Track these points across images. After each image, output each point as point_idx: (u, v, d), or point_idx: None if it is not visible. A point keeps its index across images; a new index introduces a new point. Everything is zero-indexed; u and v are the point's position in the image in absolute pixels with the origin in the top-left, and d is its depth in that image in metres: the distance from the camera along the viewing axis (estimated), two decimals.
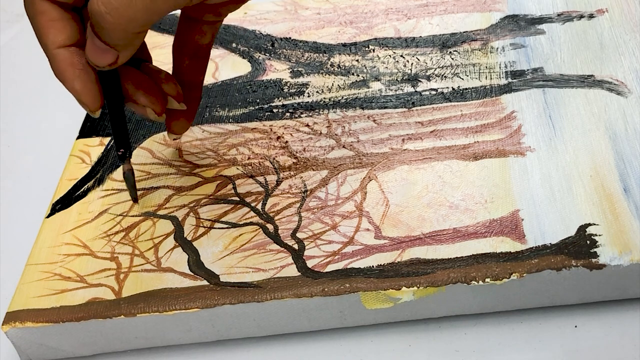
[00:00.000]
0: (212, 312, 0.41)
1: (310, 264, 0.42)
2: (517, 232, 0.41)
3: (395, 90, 0.52)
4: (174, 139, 0.50)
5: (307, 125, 0.51)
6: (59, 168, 0.52)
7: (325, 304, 0.40)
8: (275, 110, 0.52)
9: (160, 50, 0.58)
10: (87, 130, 0.54)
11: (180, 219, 0.46)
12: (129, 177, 0.46)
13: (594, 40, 0.52)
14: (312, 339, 0.42)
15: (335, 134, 0.50)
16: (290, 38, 0.58)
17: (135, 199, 0.48)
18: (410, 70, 0.53)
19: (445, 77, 0.52)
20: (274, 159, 0.49)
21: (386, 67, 0.54)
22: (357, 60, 0.55)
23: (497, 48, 0.53)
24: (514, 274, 0.39)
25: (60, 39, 0.41)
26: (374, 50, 0.56)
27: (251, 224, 0.45)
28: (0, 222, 0.53)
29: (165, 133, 0.52)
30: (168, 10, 0.39)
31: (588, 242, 0.39)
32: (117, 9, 0.37)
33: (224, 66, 0.57)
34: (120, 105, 0.43)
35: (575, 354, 0.39)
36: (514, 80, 0.50)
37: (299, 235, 0.44)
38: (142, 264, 0.44)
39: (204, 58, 0.47)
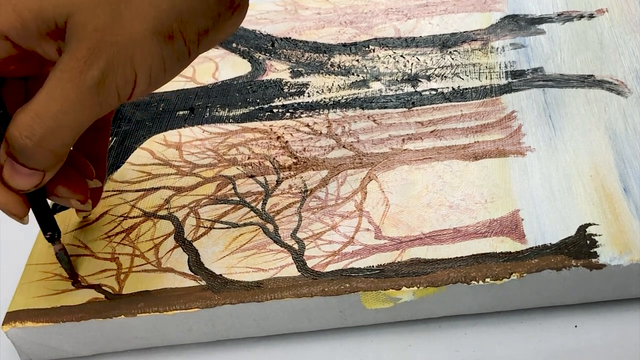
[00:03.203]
0: (212, 312, 0.41)
1: (310, 264, 0.42)
2: (517, 232, 0.41)
3: (396, 90, 0.52)
4: (84, 217, 0.47)
5: (307, 125, 0.51)
6: None
7: (325, 304, 0.40)
8: (275, 110, 0.52)
9: None
10: None
11: (180, 219, 0.46)
12: (62, 257, 0.44)
13: (594, 40, 0.52)
14: (312, 339, 0.42)
15: (336, 134, 0.50)
16: (290, 38, 0.59)
17: (72, 276, 0.44)
18: (411, 70, 0.53)
19: (445, 77, 0.52)
20: (274, 159, 0.49)
21: (386, 67, 0.54)
22: (357, 60, 0.55)
23: (497, 48, 0.53)
24: (514, 274, 0.39)
25: None
26: (374, 50, 0.56)
27: (251, 224, 0.45)
28: (0, 222, 0.53)
29: (166, 133, 0.52)
30: (92, 122, 0.37)
31: (588, 242, 0.39)
32: (44, 137, 0.36)
33: (224, 66, 0.57)
34: (42, 195, 0.41)
35: (575, 354, 0.39)
36: (514, 80, 0.50)
37: (299, 235, 0.44)
38: (143, 264, 0.44)
39: (104, 129, 0.45)
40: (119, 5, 0.35)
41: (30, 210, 0.41)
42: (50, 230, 0.43)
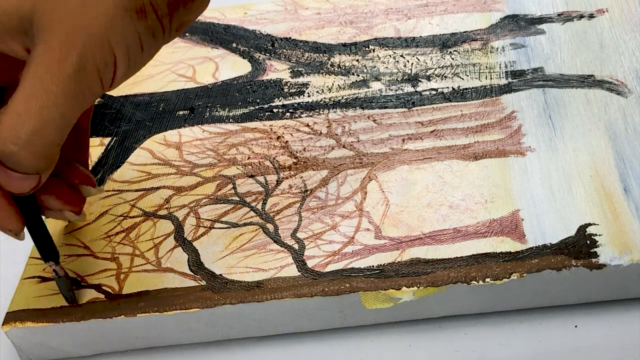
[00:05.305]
0: (212, 312, 0.41)
1: (310, 264, 0.42)
2: (517, 232, 0.41)
3: (396, 90, 0.52)
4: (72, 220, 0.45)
5: (307, 125, 0.51)
6: None
7: (325, 304, 0.40)
8: (275, 110, 0.52)
9: None
10: None
11: (180, 219, 0.46)
12: (63, 282, 0.42)
13: (594, 40, 0.52)
14: (312, 339, 0.42)
15: (336, 134, 0.50)
16: (290, 38, 0.59)
17: (72, 301, 0.42)
18: (411, 70, 0.53)
19: (445, 77, 0.52)
20: (274, 158, 0.49)
21: (386, 67, 0.54)
22: (357, 60, 0.55)
23: (497, 48, 0.53)
24: (514, 274, 0.39)
25: None
26: (374, 50, 0.56)
27: (251, 223, 0.45)
28: None
29: (166, 133, 0.52)
30: (77, 117, 0.35)
31: (588, 242, 0.39)
32: (29, 142, 0.34)
33: (224, 66, 0.57)
34: (38, 215, 0.40)
35: (575, 354, 0.39)
36: (514, 80, 0.50)
37: (299, 235, 0.44)
38: (143, 264, 0.44)
39: (82, 136, 0.44)
40: None
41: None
42: (52, 258, 0.42)
